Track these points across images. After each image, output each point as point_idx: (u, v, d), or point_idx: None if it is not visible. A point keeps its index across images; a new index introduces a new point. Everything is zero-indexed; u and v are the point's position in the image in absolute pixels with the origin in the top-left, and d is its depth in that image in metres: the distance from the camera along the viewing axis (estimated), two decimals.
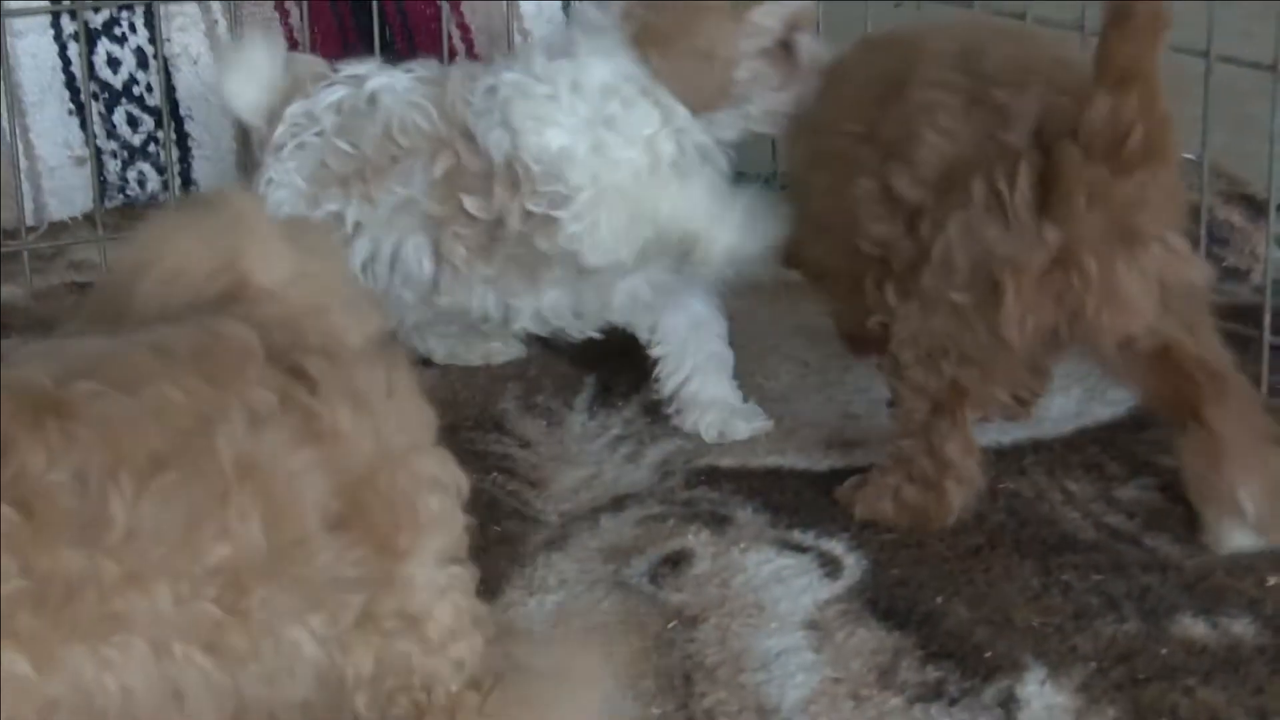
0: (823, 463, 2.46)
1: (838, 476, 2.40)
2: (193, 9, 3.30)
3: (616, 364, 2.72)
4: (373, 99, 2.59)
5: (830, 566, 2.22)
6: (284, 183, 2.57)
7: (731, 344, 2.73)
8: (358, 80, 2.62)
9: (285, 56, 2.67)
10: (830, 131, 2.38)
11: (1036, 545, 2.26)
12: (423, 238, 2.55)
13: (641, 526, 2.31)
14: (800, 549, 2.25)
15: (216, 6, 3.30)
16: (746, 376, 2.68)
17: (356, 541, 1.50)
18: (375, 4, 3.22)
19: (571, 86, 2.51)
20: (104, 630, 1.37)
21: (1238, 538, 2.23)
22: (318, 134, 2.59)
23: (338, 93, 2.61)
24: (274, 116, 2.63)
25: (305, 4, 3.25)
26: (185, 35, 3.29)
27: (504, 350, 2.78)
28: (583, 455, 2.48)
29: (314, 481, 1.47)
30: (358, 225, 2.56)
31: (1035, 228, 2.15)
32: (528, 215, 2.48)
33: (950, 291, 2.20)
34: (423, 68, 2.64)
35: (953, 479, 2.28)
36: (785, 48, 2.53)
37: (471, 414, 2.59)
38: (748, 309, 2.84)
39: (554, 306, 2.57)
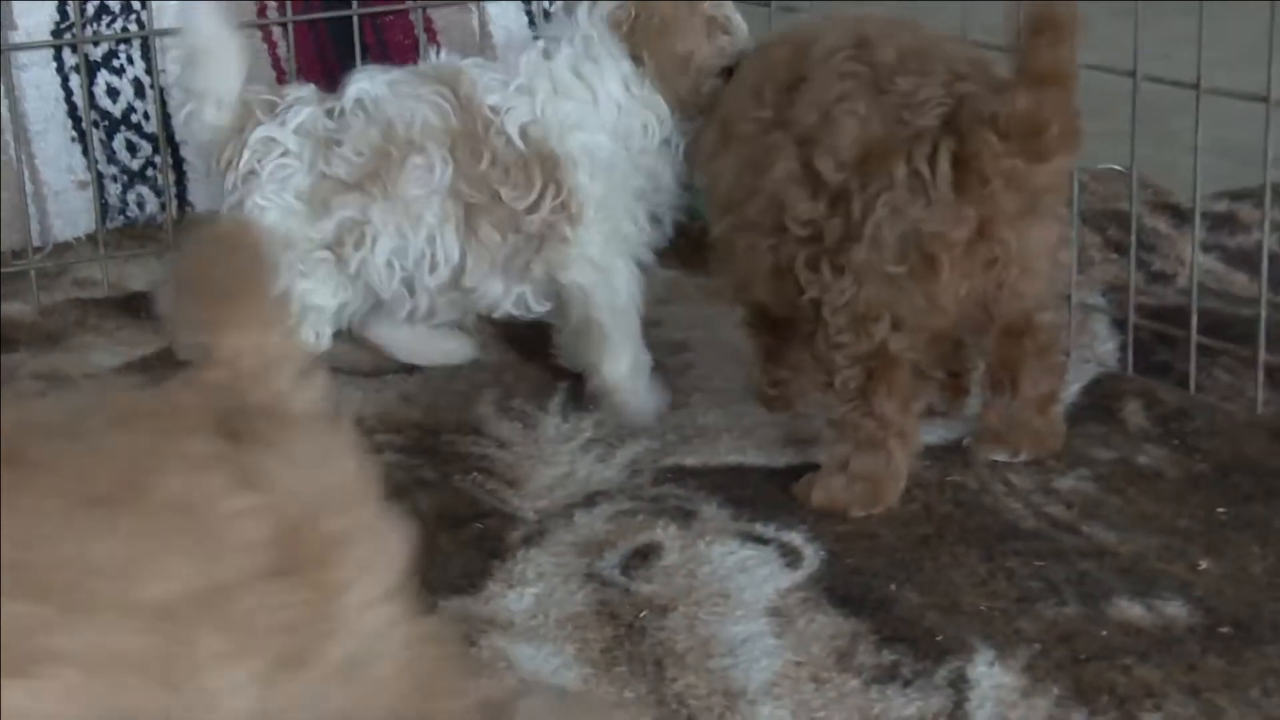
0: (780, 459, 2.45)
1: (795, 472, 2.39)
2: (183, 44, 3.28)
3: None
4: (359, 104, 2.58)
5: (790, 557, 2.21)
6: (273, 205, 2.55)
7: (689, 349, 2.75)
8: (316, 97, 2.61)
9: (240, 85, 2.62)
10: (739, 120, 2.41)
11: (981, 534, 2.26)
12: (450, 227, 2.56)
13: (613, 522, 2.31)
14: (762, 541, 2.25)
15: None
16: (704, 380, 2.69)
17: (294, 586, 1.48)
18: (356, 31, 3.22)
19: (599, 90, 2.61)
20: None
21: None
22: (283, 155, 2.56)
23: (302, 113, 2.58)
24: (222, 143, 2.60)
25: (291, 36, 3.25)
26: (179, 66, 3.27)
27: (459, 350, 2.79)
28: (557, 455, 2.47)
29: (249, 526, 1.45)
30: (383, 223, 2.55)
31: (955, 205, 2.21)
32: (559, 205, 2.56)
33: (885, 265, 2.23)
34: (401, 70, 2.64)
35: (895, 436, 2.29)
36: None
37: (451, 418, 2.58)
38: (702, 315, 2.85)
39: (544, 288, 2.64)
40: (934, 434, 2.49)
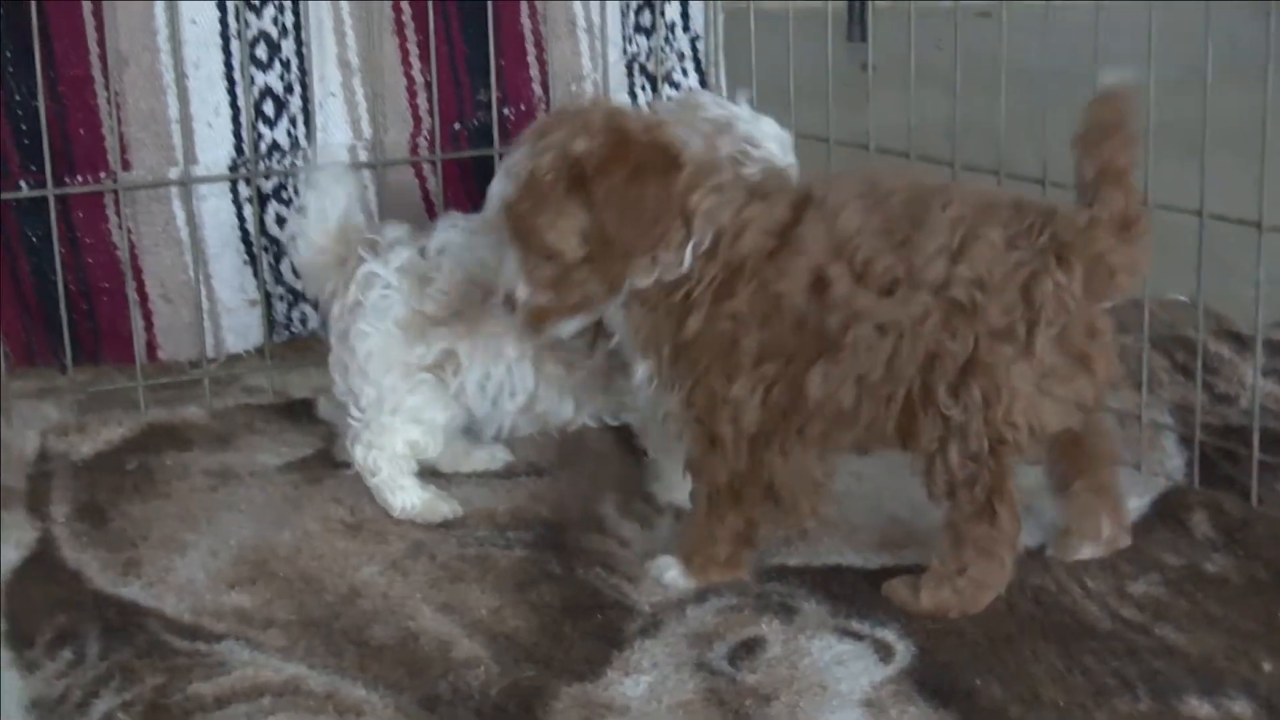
0: (875, 561, 2.39)
1: (888, 573, 2.33)
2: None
3: None
4: (442, 251, 2.60)
5: (883, 652, 2.15)
6: (376, 331, 2.57)
7: None
8: (414, 240, 2.63)
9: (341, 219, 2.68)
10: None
11: (1060, 633, 2.19)
12: (526, 361, 2.57)
13: (721, 616, 2.25)
14: (858, 636, 2.19)
15: (366, 174, 3.29)
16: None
17: None
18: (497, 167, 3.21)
19: None
20: None
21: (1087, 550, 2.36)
22: (385, 289, 2.58)
23: (403, 254, 2.61)
24: (325, 273, 2.66)
25: (440, 172, 3.25)
26: None
27: (492, 458, 2.75)
28: (669, 553, 2.42)
29: None
30: (469, 356, 2.56)
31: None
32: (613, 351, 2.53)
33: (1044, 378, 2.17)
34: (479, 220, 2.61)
35: (1008, 544, 2.22)
36: None
37: (577, 516, 2.54)
38: None
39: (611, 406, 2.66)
40: None
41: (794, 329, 2.20)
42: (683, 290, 2.23)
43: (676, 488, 2.53)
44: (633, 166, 2.17)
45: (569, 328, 2.30)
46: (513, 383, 2.59)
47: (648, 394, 2.32)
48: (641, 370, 2.30)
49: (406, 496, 2.57)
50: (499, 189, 2.24)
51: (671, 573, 2.33)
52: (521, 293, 2.25)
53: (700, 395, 2.24)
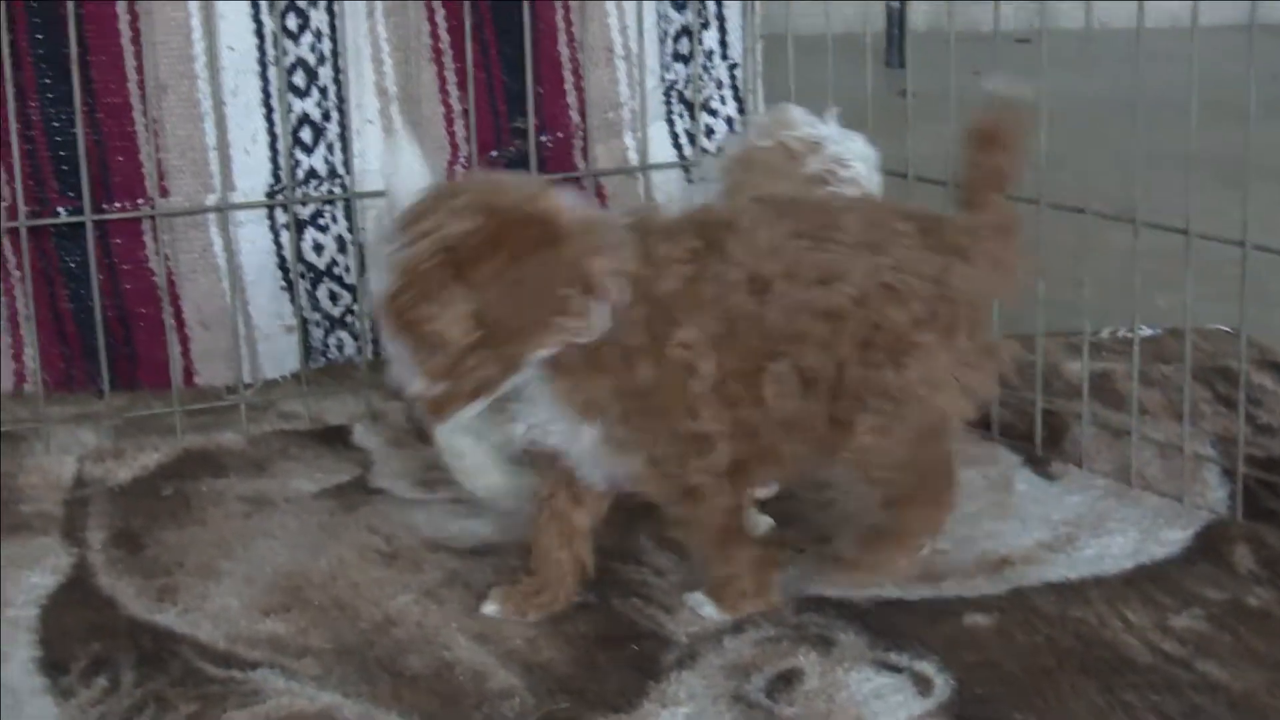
0: (914, 593, 2.37)
1: (928, 606, 2.32)
2: (385, 203, 3.29)
3: None
4: None
5: (922, 685, 2.13)
6: None
7: (830, 486, 2.69)
8: None
9: None
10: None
11: (1100, 668, 2.16)
12: None
13: (759, 647, 2.23)
14: (896, 669, 2.17)
15: None
16: (846, 515, 2.62)
17: None
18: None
19: None
20: None
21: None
22: None
23: None
24: None
25: None
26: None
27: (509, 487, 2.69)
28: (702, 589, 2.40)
29: None
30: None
31: None
32: None
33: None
34: None
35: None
36: None
37: (613, 546, 2.52)
38: None
39: None
40: (1055, 571, 2.41)
41: (744, 338, 2.20)
42: (617, 344, 2.16)
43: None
44: (512, 245, 2.08)
45: (471, 411, 2.18)
46: None
47: (596, 459, 2.24)
48: (587, 435, 2.21)
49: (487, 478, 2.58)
50: (380, 282, 2.12)
51: (708, 608, 2.31)
52: (416, 386, 2.13)
53: (667, 445, 2.20)
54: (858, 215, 2.28)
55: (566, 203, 2.16)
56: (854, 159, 2.44)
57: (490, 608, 2.32)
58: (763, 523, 2.54)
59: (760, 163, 2.54)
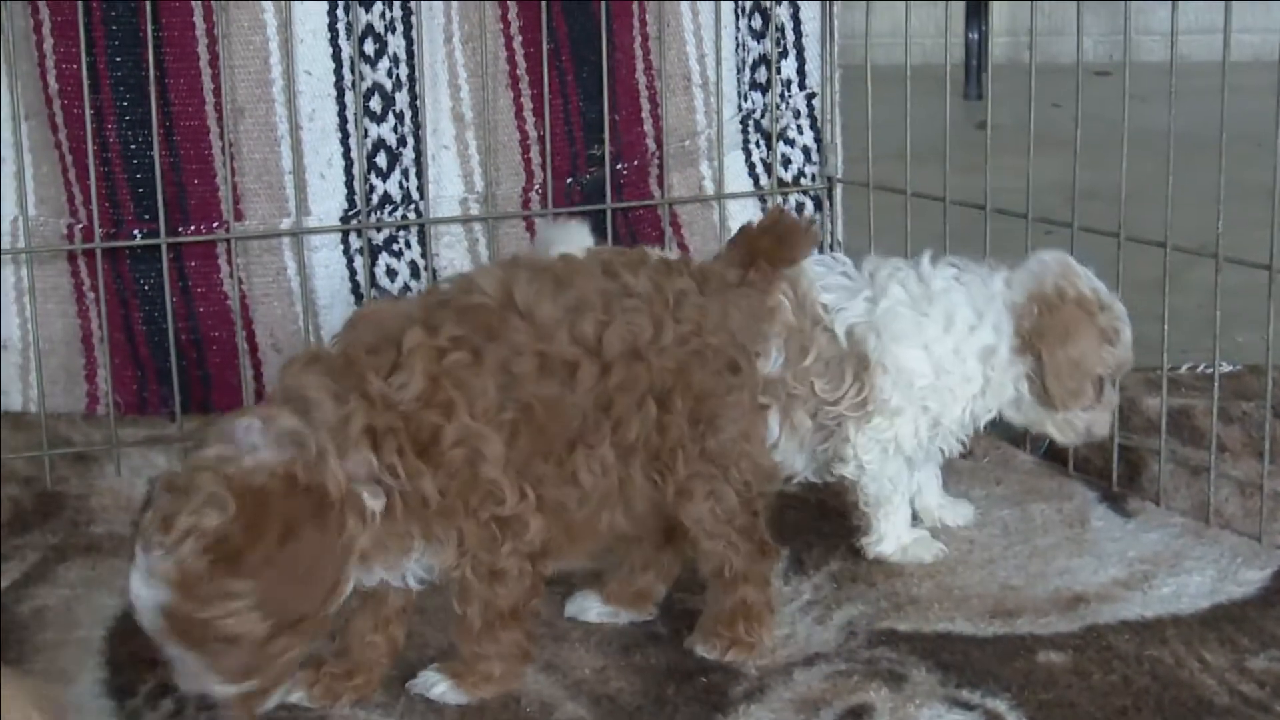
0: (987, 629, 2.35)
1: (1000, 642, 2.30)
2: (458, 229, 3.30)
3: (808, 538, 2.66)
4: None
5: None
6: None
7: None
8: None
9: None
10: None
11: (1176, 708, 2.13)
12: (775, 410, 2.56)
13: (829, 681, 2.22)
14: (968, 706, 2.14)
15: (478, 226, 3.29)
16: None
17: None
18: (610, 222, 3.21)
19: (946, 321, 2.55)
20: None
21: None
22: None
23: None
24: None
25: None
26: (451, 251, 3.29)
27: None
28: (778, 617, 2.38)
29: None
30: None
31: None
32: (858, 404, 2.53)
33: None
34: None
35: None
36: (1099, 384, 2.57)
37: (684, 578, 2.51)
38: None
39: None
40: (1131, 609, 2.38)
41: (546, 421, 2.10)
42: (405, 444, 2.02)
43: (886, 540, 2.58)
44: (276, 525, 1.90)
45: (280, 695, 2.04)
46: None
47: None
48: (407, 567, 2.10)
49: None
50: (149, 596, 1.91)
51: (440, 687, 2.19)
52: (221, 691, 1.95)
53: (474, 532, 2.07)
54: (639, 274, 2.22)
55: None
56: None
57: (298, 695, 2.19)
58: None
59: None
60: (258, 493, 1.90)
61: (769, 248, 2.34)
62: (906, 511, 2.62)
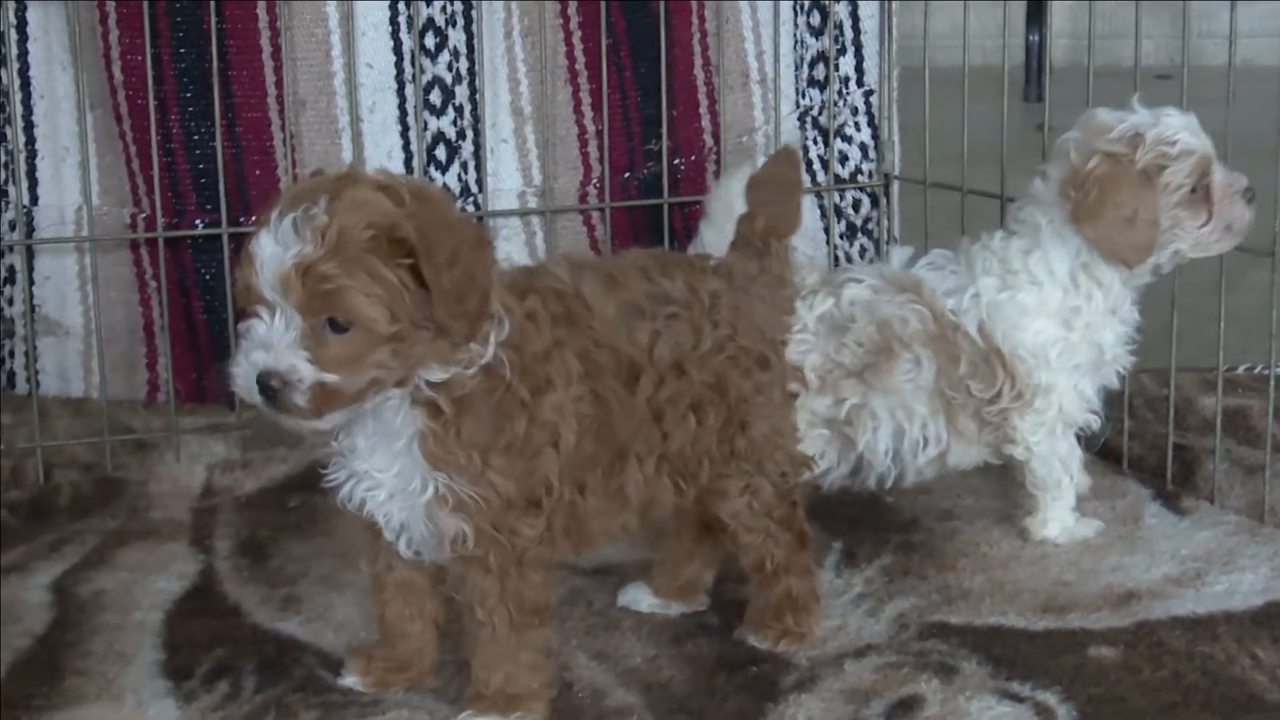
0: (1039, 624, 2.35)
1: (1051, 636, 2.30)
2: (515, 222, 3.32)
3: (860, 532, 2.67)
4: (852, 304, 2.61)
5: (1045, 715, 2.10)
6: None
7: (956, 516, 2.68)
8: (835, 290, 2.64)
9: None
10: None
11: (1226, 704, 2.13)
12: (941, 419, 2.59)
13: (879, 673, 2.22)
14: (1018, 698, 2.14)
15: (535, 220, 3.31)
16: (971, 546, 2.61)
17: None
18: (666, 217, 3.23)
19: (1046, 277, 2.57)
20: None
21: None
22: (802, 332, 2.59)
23: (825, 303, 2.62)
24: None
25: (609, 221, 3.27)
26: (508, 244, 3.31)
27: None
28: (830, 608, 2.39)
29: None
30: (882, 410, 2.60)
31: None
32: (1016, 395, 2.56)
33: None
34: (872, 275, 2.66)
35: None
36: (1198, 190, 2.53)
37: (735, 569, 2.52)
38: (969, 484, 2.78)
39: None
40: (1183, 606, 2.38)
41: (610, 425, 2.08)
42: (495, 387, 1.98)
43: (1051, 525, 2.62)
44: (458, 237, 1.90)
45: (340, 418, 1.94)
46: (926, 439, 2.61)
47: (424, 518, 2.02)
48: (425, 490, 1.99)
49: None
50: (290, 246, 1.86)
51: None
52: (304, 371, 1.88)
53: (501, 510, 2.01)
54: (675, 278, 2.19)
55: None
56: (1178, 132, 2.51)
57: (350, 679, 2.21)
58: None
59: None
60: (446, 206, 1.94)
61: (769, 200, 2.32)
62: (1073, 494, 2.64)
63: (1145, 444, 2.88)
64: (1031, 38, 6.64)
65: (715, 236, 2.67)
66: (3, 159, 3.23)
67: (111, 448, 2.98)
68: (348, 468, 2.03)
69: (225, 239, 3.02)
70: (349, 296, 1.85)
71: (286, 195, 1.92)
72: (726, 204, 2.66)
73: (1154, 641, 2.28)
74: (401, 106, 3.23)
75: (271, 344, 1.87)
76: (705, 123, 3.40)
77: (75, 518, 2.77)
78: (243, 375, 1.90)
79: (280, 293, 1.86)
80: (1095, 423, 2.63)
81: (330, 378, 1.88)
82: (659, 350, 2.13)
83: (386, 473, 2.00)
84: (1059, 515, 2.62)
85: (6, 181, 3.23)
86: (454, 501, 1.98)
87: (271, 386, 1.88)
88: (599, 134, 3.28)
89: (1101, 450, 2.94)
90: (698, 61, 3.38)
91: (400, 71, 3.21)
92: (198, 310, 3.21)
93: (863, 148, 3.50)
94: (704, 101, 3.40)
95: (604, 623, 2.37)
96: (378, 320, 1.86)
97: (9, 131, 3.18)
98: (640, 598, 2.42)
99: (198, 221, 3.15)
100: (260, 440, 3.01)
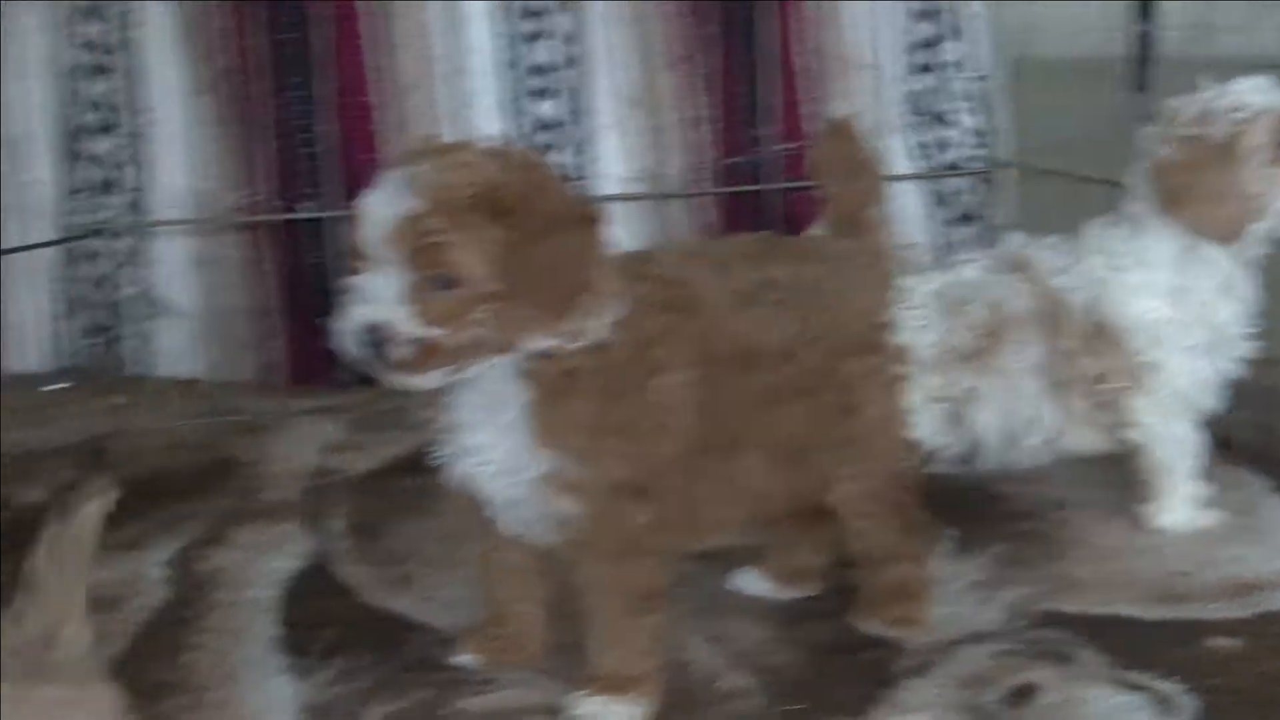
0: (1154, 612, 2.33)
1: (1167, 626, 2.28)
2: (620, 208, 3.31)
3: (972, 520, 2.64)
4: (963, 284, 2.61)
5: (1164, 705, 2.08)
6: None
7: (1066, 506, 2.66)
8: (947, 269, 2.65)
9: None
10: None
11: None
12: (1051, 398, 2.57)
13: (994, 660, 2.20)
14: (1137, 688, 2.12)
15: (639, 206, 3.31)
16: (1082, 535, 2.59)
17: None
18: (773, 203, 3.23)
19: (1152, 259, 2.54)
20: None
21: None
22: (915, 310, 2.57)
23: (938, 280, 2.62)
24: None
25: (713, 206, 3.27)
26: (613, 230, 3.30)
27: None
28: (942, 596, 2.38)
29: None
30: (993, 394, 2.59)
31: None
32: (1127, 374, 2.54)
33: None
34: (982, 256, 2.65)
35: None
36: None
37: (846, 553, 2.52)
38: (1079, 473, 2.76)
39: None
40: None
41: (726, 400, 2.06)
42: (606, 368, 1.96)
43: (1169, 512, 2.58)
44: (557, 208, 1.91)
45: (438, 378, 1.92)
46: (1040, 420, 2.60)
47: (532, 499, 2.00)
48: (533, 469, 1.97)
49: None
50: (380, 207, 1.88)
51: (594, 706, 2.07)
52: (407, 325, 1.88)
53: (610, 494, 1.99)
54: (781, 264, 2.18)
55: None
56: (1249, 96, 2.48)
57: (462, 658, 2.21)
58: None
59: None
60: (551, 178, 1.95)
61: (841, 177, 2.29)
62: (1193, 482, 2.60)
63: (1261, 434, 2.85)
64: (1140, 29, 6.57)
65: None
66: (119, 144, 3.26)
67: (223, 429, 3.00)
68: (456, 444, 2.03)
69: (328, 223, 3.03)
70: (452, 252, 1.86)
71: (398, 156, 1.95)
72: None
73: (1275, 633, 2.25)
74: (506, 91, 3.23)
75: (376, 298, 1.88)
76: (812, 108, 3.39)
77: (189, 497, 2.79)
78: (347, 330, 1.90)
79: (386, 248, 1.87)
80: (1215, 407, 2.60)
81: (433, 333, 1.88)
82: (768, 337, 2.11)
83: (494, 448, 1.99)
84: (1177, 503, 2.59)
85: (123, 165, 3.25)
86: (562, 481, 1.97)
87: (375, 340, 1.88)
88: (705, 120, 3.27)
89: (1220, 440, 2.90)
90: (804, 46, 3.37)
91: (504, 57, 3.22)
92: (307, 293, 3.23)
93: (969, 134, 3.47)
94: (810, 87, 3.38)
95: (716, 606, 2.37)
96: (479, 277, 1.86)
97: (125, 117, 3.21)
98: (752, 582, 2.41)
99: (305, 206, 3.17)
100: (371, 422, 3.02)
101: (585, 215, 1.94)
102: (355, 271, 1.91)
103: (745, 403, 2.09)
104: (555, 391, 1.95)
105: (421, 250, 1.86)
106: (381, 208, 1.88)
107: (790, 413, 2.13)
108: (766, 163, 3.24)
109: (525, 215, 1.87)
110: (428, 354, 1.89)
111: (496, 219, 1.87)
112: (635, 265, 2.06)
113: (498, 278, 1.87)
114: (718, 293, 2.10)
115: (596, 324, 1.94)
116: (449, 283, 1.87)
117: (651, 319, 2.00)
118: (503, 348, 1.92)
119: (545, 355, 1.94)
